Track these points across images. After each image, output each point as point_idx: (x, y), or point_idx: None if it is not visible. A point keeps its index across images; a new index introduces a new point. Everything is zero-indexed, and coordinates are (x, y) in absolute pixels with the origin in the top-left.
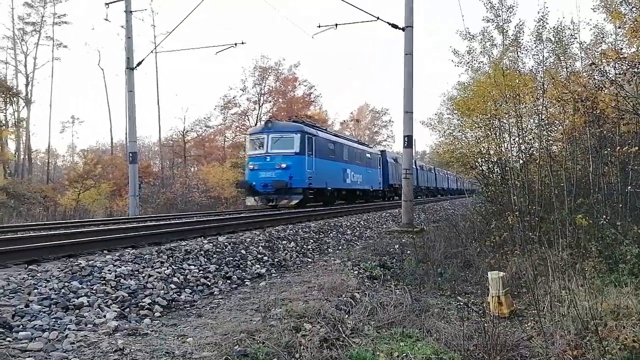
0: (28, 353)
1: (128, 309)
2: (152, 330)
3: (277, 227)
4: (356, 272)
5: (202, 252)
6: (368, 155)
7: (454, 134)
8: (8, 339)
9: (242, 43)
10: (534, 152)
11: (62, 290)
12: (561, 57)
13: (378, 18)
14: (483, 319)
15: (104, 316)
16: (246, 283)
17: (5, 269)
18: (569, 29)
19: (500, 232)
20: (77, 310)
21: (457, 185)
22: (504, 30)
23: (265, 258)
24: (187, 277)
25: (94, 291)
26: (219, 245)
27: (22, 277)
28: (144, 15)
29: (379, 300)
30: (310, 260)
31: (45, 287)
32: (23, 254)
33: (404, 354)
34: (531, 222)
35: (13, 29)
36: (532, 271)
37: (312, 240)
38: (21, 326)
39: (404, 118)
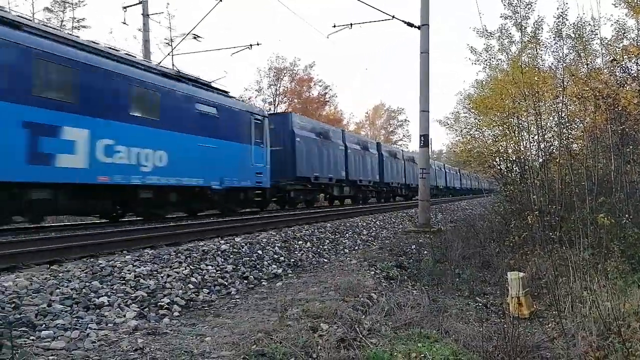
0: (51, 351)
1: (147, 309)
2: (171, 330)
3: (293, 228)
4: (373, 272)
5: (219, 253)
6: (204, 108)
7: (471, 132)
8: (32, 337)
9: (257, 44)
10: (554, 151)
11: (83, 290)
12: (581, 54)
13: (393, 17)
14: (502, 320)
15: (124, 316)
16: (263, 283)
17: (29, 269)
18: (589, 24)
19: (519, 231)
20: (98, 310)
21: (461, 184)
22: (523, 27)
23: (282, 258)
24: (205, 277)
25: (114, 291)
26: (235, 246)
27: (44, 277)
28: (161, 18)
29: (396, 300)
30: (326, 260)
31: (67, 286)
32: (45, 254)
33: (422, 355)
34: (551, 222)
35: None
36: (553, 271)
37: (328, 241)
38: (44, 325)
39: (420, 117)
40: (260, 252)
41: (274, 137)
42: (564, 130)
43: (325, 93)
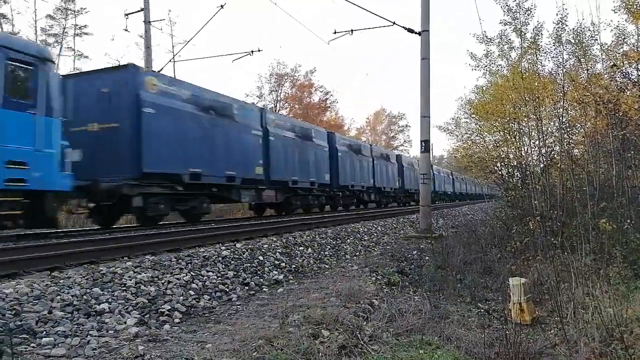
0: (51, 359)
1: (148, 315)
2: (172, 337)
3: (294, 234)
4: (374, 278)
5: (220, 259)
6: None
7: (471, 138)
8: (32, 344)
9: (259, 50)
10: (555, 156)
11: (84, 297)
12: (581, 59)
13: (394, 23)
14: (504, 326)
15: (125, 322)
16: (264, 289)
17: (29, 276)
18: (589, 30)
19: (521, 237)
20: (99, 317)
21: (454, 188)
22: (522, 33)
23: (283, 264)
24: (206, 283)
25: (115, 297)
26: (236, 252)
27: (45, 284)
28: (162, 25)
29: (397, 307)
30: (327, 266)
31: (68, 293)
32: (46, 261)
33: None
34: (553, 227)
35: (36, 41)
36: (555, 277)
37: (329, 247)
38: (45, 332)
39: (421, 123)
40: (261, 258)
41: (103, 106)
42: (565, 135)
43: (326, 99)
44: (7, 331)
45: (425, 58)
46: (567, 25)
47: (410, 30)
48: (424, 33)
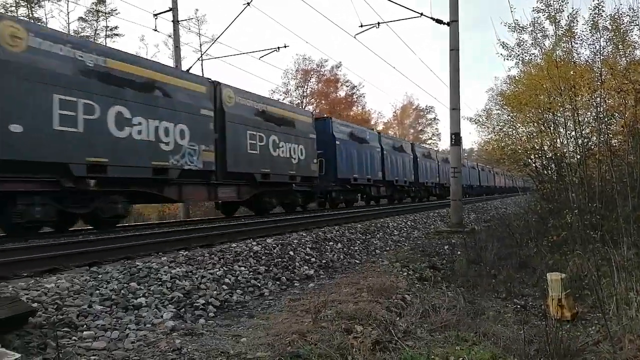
0: (92, 352)
1: (183, 309)
2: (207, 330)
3: (323, 229)
4: (405, 273)
5: (251, 254)
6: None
7: (504, 129)
8: (74, 337)
9: (285, 46)
10: (593, 147)
11: (122, 291)
12: (619, 46)
13: (422, 14)
14: (543, 323)
15: (161, 316)
16: (295, 284)
17: (69, 271)
18: (627, 15)
19: (558, 231)
20: (136, 311)
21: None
22: (556, 20)
23: (313, 259)
24: (238, 278)
25: (151, 292)
26: (267, 247)
27: (84, 279)
28: (190, 24)
29: (430, 302)
30: (357, 261)
31: (106, 288)
32: (85, 256)
33: (461, 358)
34: (592, 220)
35: None
36: (596, 272)
37: (358, 242)
38: (85, 326)
39: (450, 115)
40: (291, 253)
41: None
42: (603, 125)
43: (353, 93)
44: (50, 325)
45: (454, 49)
46: (603, 11)
47: (439, 21)
48: (453, 23)
